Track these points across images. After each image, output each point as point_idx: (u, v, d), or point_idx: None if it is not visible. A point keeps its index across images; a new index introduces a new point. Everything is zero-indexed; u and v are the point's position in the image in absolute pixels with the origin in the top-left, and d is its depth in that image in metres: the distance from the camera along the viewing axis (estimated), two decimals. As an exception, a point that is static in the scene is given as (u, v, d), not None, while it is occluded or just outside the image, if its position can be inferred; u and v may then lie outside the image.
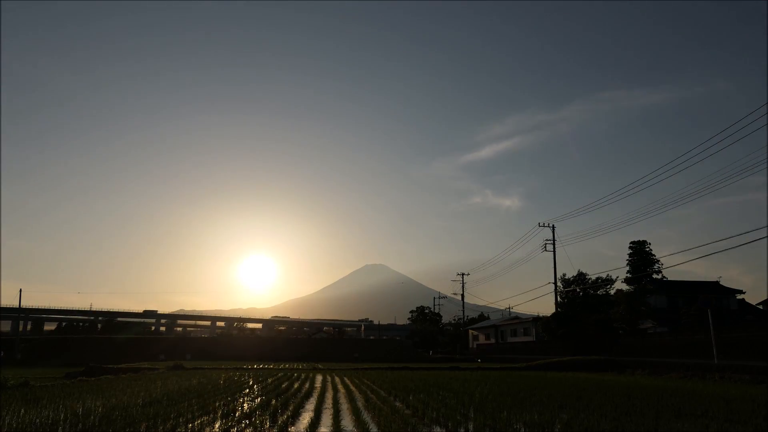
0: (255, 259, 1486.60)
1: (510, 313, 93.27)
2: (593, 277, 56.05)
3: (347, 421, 9.57)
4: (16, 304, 72.07)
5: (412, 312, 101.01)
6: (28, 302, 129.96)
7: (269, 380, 20.06)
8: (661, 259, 57.58)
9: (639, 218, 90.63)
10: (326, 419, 9.99)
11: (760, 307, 60.89)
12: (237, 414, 10.00)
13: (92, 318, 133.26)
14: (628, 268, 58.02)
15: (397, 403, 12.14)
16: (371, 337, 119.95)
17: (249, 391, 15.10)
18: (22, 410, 9.76)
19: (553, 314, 54.00)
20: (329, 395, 14.61)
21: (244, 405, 11.50)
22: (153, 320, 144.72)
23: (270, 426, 8.88)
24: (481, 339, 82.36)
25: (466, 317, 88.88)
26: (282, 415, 10.01)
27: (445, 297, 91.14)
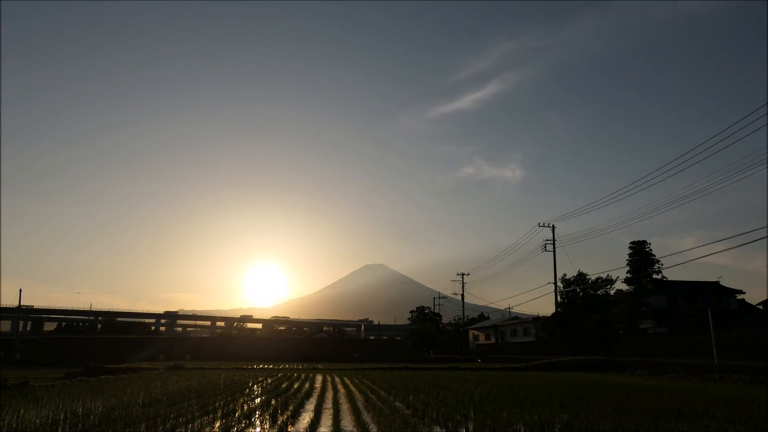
0: (254, 258, 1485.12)
1: (510, 313, 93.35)
2: (593, 278, 56.11)
3: (347, 421, 9.56)
4: (16, 304, 72.02)
5: (412, 312, 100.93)
6: (28, 302, 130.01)
7: (269, 380, 20.05)
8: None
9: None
10: (326, 419, 9.97)
11: (760, 307, 61.00)
12: (237, 414, 9.99)
13: (92, 318, 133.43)
14: (628, 268, 58.16)
15: (397, 403, 12.13)
16: (371, 337, 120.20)
17: (249, 392, 15.08)
18: (22, 410, 9.75)
19: (553, 314, 54.02)
20: (329, 395, 14.59)
21: (244, 405, 11.48)
22: (153, 320, 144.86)
23: (270, 426, 8.87)
24: (481, 339, 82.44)
25: (466, 317, 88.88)
26: (282, 415, 9.99)
27: (445, 297, 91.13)
